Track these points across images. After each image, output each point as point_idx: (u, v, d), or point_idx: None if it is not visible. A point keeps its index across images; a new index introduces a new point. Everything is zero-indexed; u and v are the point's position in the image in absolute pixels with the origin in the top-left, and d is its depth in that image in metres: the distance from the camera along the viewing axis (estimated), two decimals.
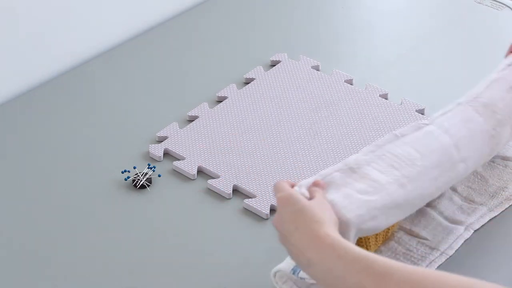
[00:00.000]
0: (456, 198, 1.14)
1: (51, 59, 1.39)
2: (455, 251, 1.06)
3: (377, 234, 1.03)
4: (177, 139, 1.25)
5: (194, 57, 1.45)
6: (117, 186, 1.17)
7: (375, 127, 1.27)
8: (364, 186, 0.97)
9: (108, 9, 1.46)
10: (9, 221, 1.12)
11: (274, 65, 1.42)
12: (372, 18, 1.58)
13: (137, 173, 1.17)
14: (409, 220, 1.10)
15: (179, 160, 1.21)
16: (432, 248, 1.06)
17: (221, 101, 1.33)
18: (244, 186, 1.17)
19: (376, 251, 1.05)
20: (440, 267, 1.04)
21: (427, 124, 1.05)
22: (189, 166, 1.20)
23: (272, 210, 1.13)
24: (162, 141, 1.24)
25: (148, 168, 1.18)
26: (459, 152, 1.03)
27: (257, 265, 1.04)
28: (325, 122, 1.28)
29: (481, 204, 1.13)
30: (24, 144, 1.25)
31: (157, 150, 1.22)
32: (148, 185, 1.17)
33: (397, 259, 1.04)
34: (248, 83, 1.37)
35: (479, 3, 1.60)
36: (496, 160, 1.20)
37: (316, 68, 1.41)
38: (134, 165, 1.19)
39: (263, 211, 1.13)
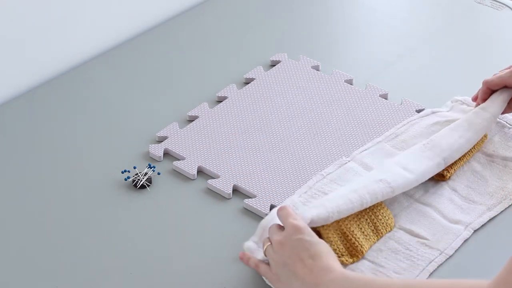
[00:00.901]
0: (456, 198, 1.14)
1: (51, 59, 1.39)
2: (455, 251, 1.07)
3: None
4: (177, 139, 1.25)
5: (194, 57, 1.45)
6: (117, 186, 1.17)
7: (375, 127, 1.27)
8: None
9: (108, 9, 1.46)
10: (9, 221, 1.12)
11: (274, 65, 1.42)
12: (372, 18, 1.58)
13: (137, 173, 1.17)
14: (409, 220, 1.10)
15: (179, 160, 1.21)
16: (432, 248, 1.06)
17: (221, 101, 1.33)
18: (244, 186, 1.17)
19: (376, 251, 1.05)
20: (440, 267, 1.04)
21: (348, 161, 1.18)
22: (189, 166, 1.20)
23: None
24: (162, 141, 1.24)
25: (148, 168, 1.18)
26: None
27: None
28: (325, 122, 1.28)
29: (480, 204, 1.13)
30: (24, 144, 1.25)
31: (157, 150, 1.22)
32: (148, 185, 1.17)
33: (397, 259, 1.04)
34: (248, 83, 1.37)
35: (479, 3, 1.60)
36: (496, 160, 1.20)
37: (316, 68, 1.41)
38: (134, 165, 1.19)
39: (263, 211, 1.13)
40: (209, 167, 1.20)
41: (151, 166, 1.19)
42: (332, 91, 1.35)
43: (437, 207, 1.12)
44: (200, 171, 1.20)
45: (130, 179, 1.17)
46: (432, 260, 1.05)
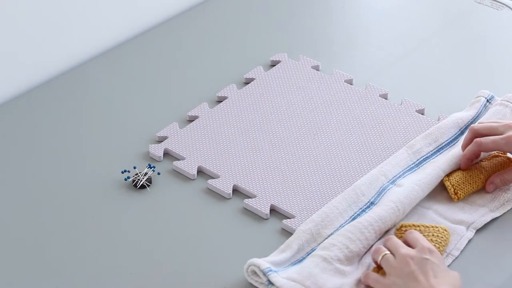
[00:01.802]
0: (456, 200, 1.14)
1: (51, 59, 1.39)
2: (460, 252, 1.07)
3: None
4: (177, 139, 1.24)
5: (194, 57, 1.45)
6: (117, 186, 1.17)
7: (375, 127, 1.27)
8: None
9: (108, 9, 1.46)
10: (9, 221, 1.12)
11: (274, 65, 1.42)
12: (372, 18, 1.58)
13: (137, 173, 1.17)
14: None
15: (179, 160, 1.21)
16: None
17: (221, 101, 1.33)
18: (244, 186, 1.17)
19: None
20: None
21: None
22: (189, 166, 1.20)
23: (272, 210, 1.13)
24: (162, 141, 1.24)
25: (148, 168, 1.18)
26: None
27: None
28: (325, 122, 1.28)
29: (482, 206, 1.13)
30: (24, 144, 1.25)
31: (157, 150, 1.22)
32: (148, 185, 1.17)
33: None
34: (248, 83, 1.37)
35: (479, 3, 1.60)
36: None
37: (316, 68, 1.41)
38: (134, 165, 1.19)
39: (263, 211, 1.13)
40: (209, 167, 1.20)
41: (151, 166, 1.19)
42: (332, 91, 1.35)
43: (437, 210, 1.12)
44: (200, 171, 1.20)
45: (130, 179, 1.17)
46: None
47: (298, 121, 1.29)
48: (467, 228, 1.10)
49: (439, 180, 1.13)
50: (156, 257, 1.07)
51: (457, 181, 1.14)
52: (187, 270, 1.05)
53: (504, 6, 1.59)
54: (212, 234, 1.10)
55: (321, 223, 1.07)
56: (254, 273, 1.01)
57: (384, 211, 1.07)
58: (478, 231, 1.10)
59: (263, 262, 1.00)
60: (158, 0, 1.54)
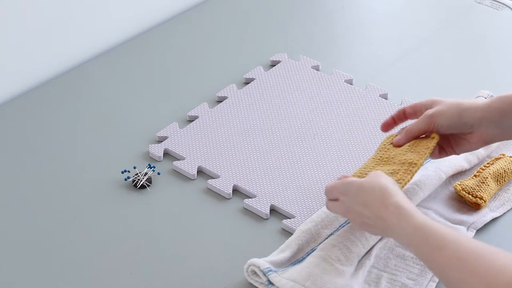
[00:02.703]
0: (455, 201, 1.14)
1: (51, 59, 1.39)
2: None
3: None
4: (177, 139, 1.24)
5: (194, 57, 1.45)
6: (117, 186, 1.17)
7: (375, 127, 1.27)
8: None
9: (108, 9, 1.46)
10: (9, 221, 1.12)
11: (274, 65, 1.42)
12: (372, 18, 1.58)
13: (137, 173, 1.17)
14: None
15: (179, 160, 1.21)
16: None
17: (221, 101, 1.33)
18: (244, 186, 1.17)
19: (385, 259, 1.05)
20: None
21: None
22: (189, 166, 1.20)
23: (272, 210, 1.14)
24: (162, 141, 1.24)
25: (148, 168, 1.18)
26: None
27: None
28: (325, 122, 1.28)
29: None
30: (24, 144, 1.25)
31: (157, 150, 1.22)
32: (148, 185, 1.17)
33: (408, 265, 1.04)
34: (248, 83, 1.37)
35: (479, 3, 1.60)
36: None
37: (316, 68, 1.41)
38: (134, 165, 1.19)
39: (263, 211, 1.13)
40: (209, 167, 1.20)
41: (151, 166, 1.19)
42: (332, 91, 1.35)
43: (437, 210, 1.12)
44: (200, 171, 1.20)
45: (130, 179, 1.17)
46: None
47: (298, 121, 1.29)
48: (468, 228, 1.10)
49: (439, 181, 1.13)
50: (156, 257, 1.07)
51: (472, 188, 1.13)
52: (187, 270, 1.05)
53: (504, 6, 1.59)
54: (212, 234, 1.10)
55: (321, 223, 1.07)
56: (254, 273, 1.01)
57: None
58: (478, 231, 1.10)
59: (263, 262, 1.00)
60: (158, 0, 1.54)
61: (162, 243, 1.09)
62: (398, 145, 1.08)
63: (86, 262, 1.06)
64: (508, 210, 1.13)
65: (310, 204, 1.14)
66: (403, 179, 1.01)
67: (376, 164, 1.07)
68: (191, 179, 1.19)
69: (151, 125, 1.28)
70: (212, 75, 1.40)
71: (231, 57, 1.45)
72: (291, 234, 1.08)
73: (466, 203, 1.13)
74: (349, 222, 1.08)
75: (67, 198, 1.15)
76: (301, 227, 1.07)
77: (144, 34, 1.50)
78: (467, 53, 1.48)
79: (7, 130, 1.28)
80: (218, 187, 1.16)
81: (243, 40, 1.50)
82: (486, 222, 1.11)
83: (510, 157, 1.18)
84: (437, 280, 1.03)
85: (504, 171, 1.15)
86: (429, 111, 1.05)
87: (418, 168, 1.03)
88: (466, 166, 1.17)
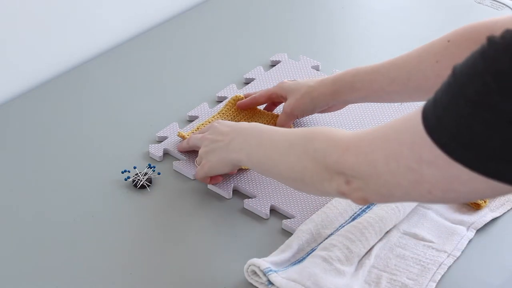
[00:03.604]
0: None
1: (51, 59, 1.39)
2: (461, 252, 1.07)
3: None
4: (177, 139, 1.24)
5: (194, 57, 1.45)
6: (117, 186, 1.17)
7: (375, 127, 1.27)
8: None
9: (108, 9, 1.46)
10: (9, 221, 1.12)
11: (274, 65, 1.42)
12: (372, 18, 1.58)
13: (137, 173, 1.17)
14: (411, 224, 1.10)
15: (179, 160, 1.21)
16: (439, 251, 1.06)
17: (221, 101, 1.33)
18: (244, 186, 1.17)
19: (385, 259, 1.05)
20: (449, 270, 1.04)
21: None
22: (189, 166, 1.20)
23: (272, 210, 1.13)
24: (162, 141, 1.24)
25: (148, 168, 1.18)
26: None
27: None
28: (325, 122, 1.28)
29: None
30: (24, 144, 1.25)
31: (157, 150, 1.22)
32: (148, 185, 1.17)
33: (408, 265, 1.04)
34: (248, 83, 1.37)
35: (479, 3, 1.60)
36: None
37: (316, 68, 1.41)
38: (134, 165, 1.19)
39: (263, 211, 1.13)
40: None
41: (151, 166, 1.18)
42: None
43: (437, 210, 1.12)
44: None
45: (130, 179, 1.17)
46: (442, 263, 1.04)
47: (297, 121, 1.28)
48: (468, 228, 1.10)
49: None
50: (156, 257, 1.07)
51: None
52: (187, 270, 1.05)
53: (504, 6, 1.59)
54: (212, 234, 1.10)
55: (321, 223, 1.07)
56: (254, 273, 1.01)
57: (384, 212, 1.07)
58: (478, 231, 1.10)
59: (263, 262, 1.00)
60: (158, 0, 1.54)
61: (162, 243, 1.09)
62: (240, 107, 1.26)
63: (86, 262, 1.06)
64: (508, 210, 1.13)
65: (310, 204, 1.14)
66: None
67: (220, 117, 1.25)
68: (191, 179, 1.19)
69: (151, 125, 1.27)
70: (212, 75, 1.40)
71: (231, 57, 1.45)
72: (291, 234, 1.08)
73: (466, 203, 1.13)
74: (349, 222, 1.08)
75: (67, 197, 1.15)
76: (301, 227, 1.07)
77: (144, 34, 1.50)
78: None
79: (7, 130, 1.28)
80: (218, 187, 1.16)
81: (243, 40, 1.50)
82: (486, 222, 1.11)
83: None
84: (437, 280, 1.03)
85: None
86: (287, 108, 1.21)
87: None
88: None
